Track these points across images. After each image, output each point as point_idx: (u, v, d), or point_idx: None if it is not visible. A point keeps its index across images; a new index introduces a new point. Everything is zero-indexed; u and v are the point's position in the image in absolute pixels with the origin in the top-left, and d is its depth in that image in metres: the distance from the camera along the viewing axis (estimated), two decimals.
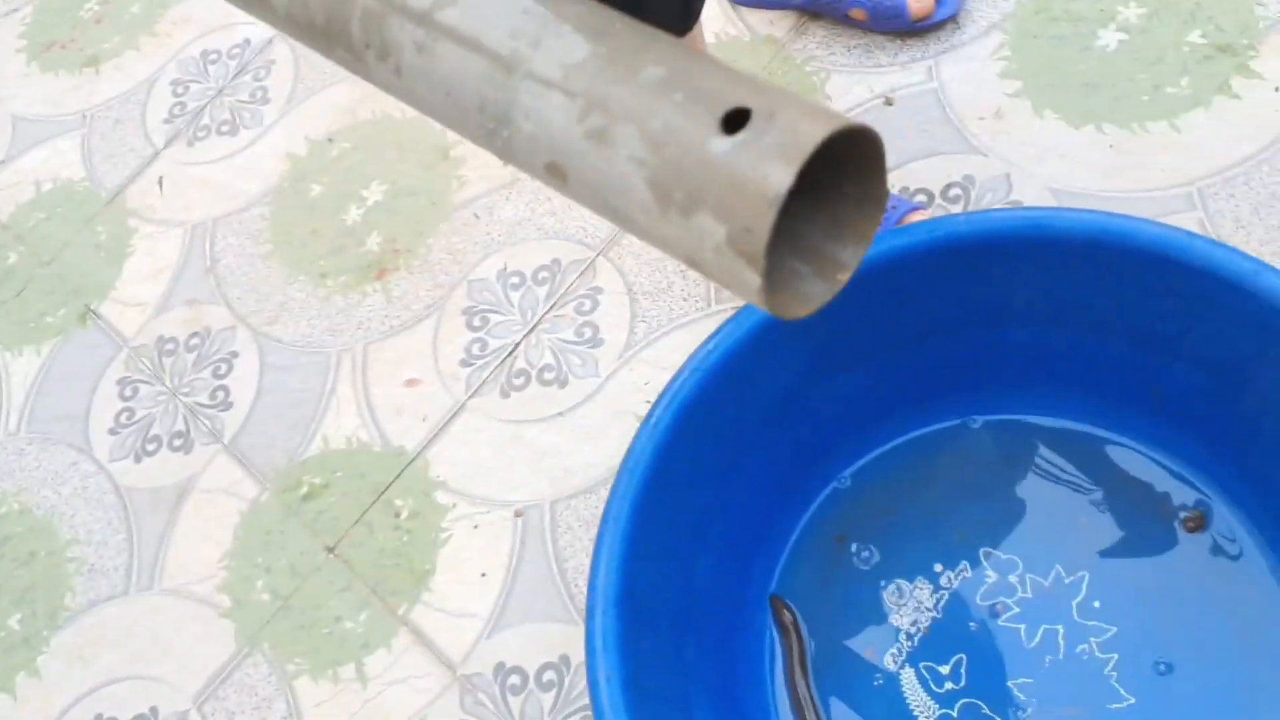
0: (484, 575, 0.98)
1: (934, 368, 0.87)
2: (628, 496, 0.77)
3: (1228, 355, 0.76)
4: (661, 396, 0.79)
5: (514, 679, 0.93)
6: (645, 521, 0.77)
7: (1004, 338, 0.85)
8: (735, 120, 0.36)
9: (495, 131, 0.42)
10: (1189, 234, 0.73)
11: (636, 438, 0.78)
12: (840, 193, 0.38)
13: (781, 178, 0.34)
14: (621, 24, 0.40)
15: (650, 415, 0.79)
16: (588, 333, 1.06)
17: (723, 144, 0.35)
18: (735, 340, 0.79)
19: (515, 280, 1.11)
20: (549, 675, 0.92)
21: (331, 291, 1.17)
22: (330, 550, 1.04)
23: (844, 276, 0.40)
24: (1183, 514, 0.83)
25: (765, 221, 0.34)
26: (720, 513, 0.85)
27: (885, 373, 0.87)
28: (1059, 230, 0.76)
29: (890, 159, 1.04)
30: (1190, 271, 0.73)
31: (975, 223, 0.78)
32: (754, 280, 0.36)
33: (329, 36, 0.46)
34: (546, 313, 1.08)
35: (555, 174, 0.41)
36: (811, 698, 0.84)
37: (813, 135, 0.34)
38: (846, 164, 0.37)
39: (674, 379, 0.79)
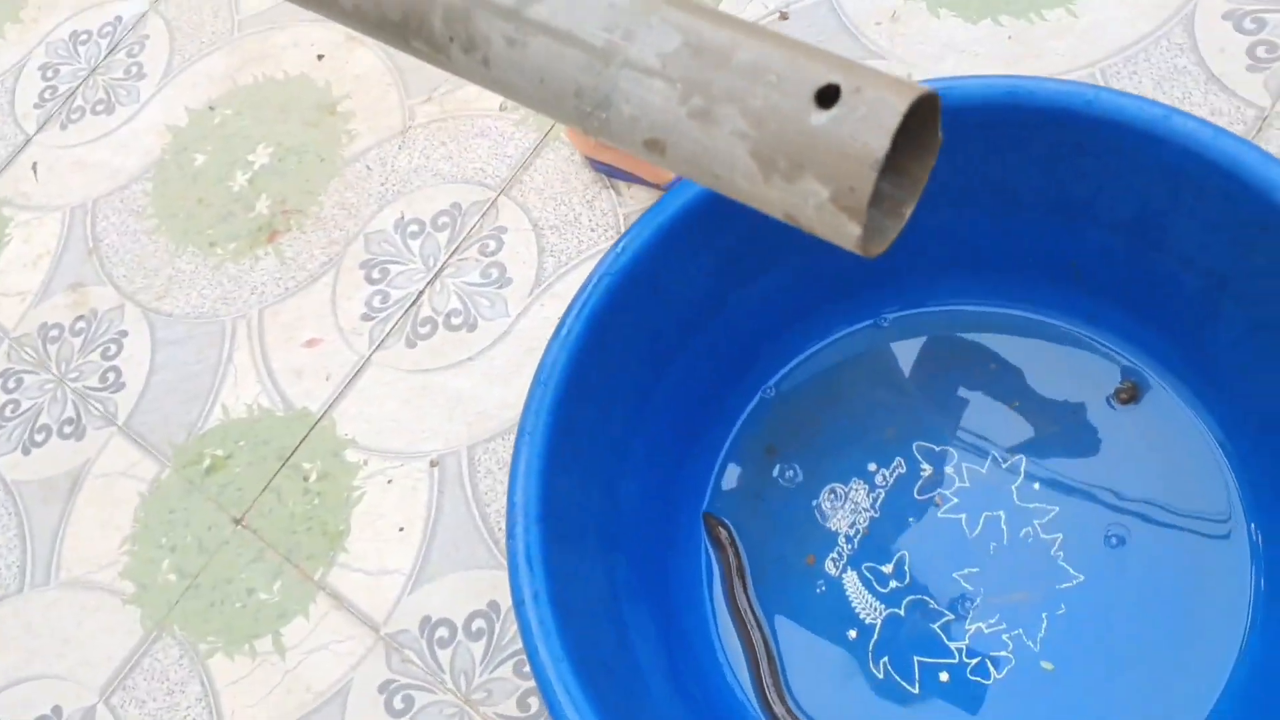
0: (402, 530, 0.93)
1: (848, 264, 0.84)
2: (542, 410, 0.73)
3: (1141, 211, 0.74)
4: (571, 306, 0.75)
5: (442, 632, 0.88)
6: (564, 433, 0.73)
7: (917, 224, 0.82)
8: (828, 95, 0.41)
9: (591, 114, 0.46)
10: (1094, 87, 0.70)
11: (548, 350, 0.74)
12: (902, 142, 0.42)
13: (879, 144, 0.39)
14: (697, 11, 0.45)
15: (561, 326, 0.75)
16: (494, 273, 1.01)
17: (821, 117, 0.41)
18: (644, 243, 0.75)
19: (414, 229, 1.06)
20: (478, 624, 0.88)
21: (222, 259, 1.11)
22: (238, 522, 0.98)
23: (907, 212, 0.45)
24: (1115, 386, 0.81)
25: (868, 182, 0.40)
26: (643, 427, 0.81)
27: (799, 273, 0.84)
28: (962, 97, 0.73)
29: None
30: (1098, 124, 0.70)
31: None
32: (856, 230, 0.42)
33: (405, 30, 0.49)
34: (449, 258, 1.03)
35: (654, 148, 0.46)
36: (753, 611, 0.80)
37: (898, 106, 0.40)
38: (910, 119, 0.41)
39: (583, 287, 0.75)
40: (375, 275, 1.05)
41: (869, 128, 0.41)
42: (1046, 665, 0.75)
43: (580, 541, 0.74)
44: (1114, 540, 0.76)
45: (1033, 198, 0.78)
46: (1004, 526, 0.79)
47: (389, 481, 0.95)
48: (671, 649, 0.77)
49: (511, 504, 0.70)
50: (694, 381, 0.84)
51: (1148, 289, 0.78)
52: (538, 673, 0.65)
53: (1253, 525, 0.74)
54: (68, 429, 1.07)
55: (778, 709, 0.76)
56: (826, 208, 0.42)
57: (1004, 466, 0.81)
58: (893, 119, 0.40)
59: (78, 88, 1.28)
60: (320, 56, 1.19)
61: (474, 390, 0.97)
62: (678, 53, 0.44)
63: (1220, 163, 0.67)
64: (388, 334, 1.02)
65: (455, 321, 1.00)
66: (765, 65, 0.43)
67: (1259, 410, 0.74)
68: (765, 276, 0.83)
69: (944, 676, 0.76)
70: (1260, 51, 0.90)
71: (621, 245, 0.75)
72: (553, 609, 0.67)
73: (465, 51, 0.48)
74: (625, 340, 0.78)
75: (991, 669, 0.75)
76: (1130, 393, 0.80)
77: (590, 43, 0.46)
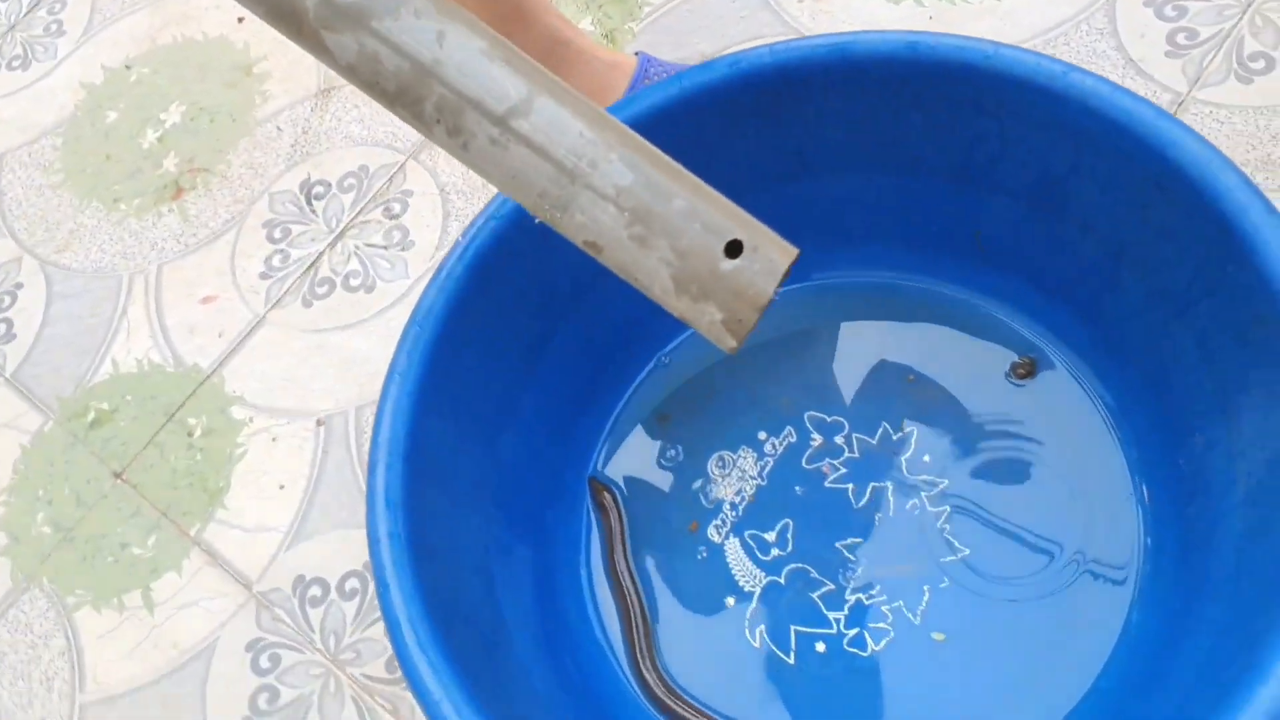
0: (283, 488, 0.90)
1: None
2: (416, 350, 0.70)
3: (1043, 175, 0.73)
4: (454, 248, 0.73)
5: (314, 590, 0.85)
6: (440, 376, 0.71)
7: (820, 190, 0.81)
8: (735, 248, 0.55)
9: (548, 210, 0.57)
10: (993, 43, 0.70)
11: (426, 291, 0.72)
12: None
13: (767, 293, 0.55)
14: (648, 156, 0.56)
15: (441, 268, 0.73)
16: (397, 236, 0.99)
17: (727, 265, 0.55)
18: None
19: (320, 190, 1.04)
20: (352, 583, 0.85)
21: (125, 215, 1.09)
22: (118, 476, 0.95)
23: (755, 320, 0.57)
24: (1013, 361, 0.79)
25: (753, 318, 0.56)
26: (532, 383, 0.79)
27: None
28: (865, 50, 0.72)
29: (712, 44, 1.00)
30: (998, 80, 0.69)
31: (779, 53, 0.74)
32: (734, 344, 0.57)
33: (395, 102, 0.55)
34: (353, 219, 1.01)
35: (592, 249, 0.57)
36: (630, 575, 0.78)
37: (782, 264, 0.54)
38: None
39: (468, 230, 0.73)
40: (277, 235, 1.03)
41: (761, 279, 0.56)
42: (938, 636, 0.72)
43: (451, 488, 0.71)
44: (1001, 512, 0.74)
45: (936, 161, 0.76)
46: (890, 498, 0.77)
47: (273, 439, 0.92)
48: (544, 607, 0.75)
49: (375, 441, 0.68)
50: (588, 343, 0.82)
51: (1049, 260, 0.77)
52: (386, 613, 0.63)
53: (1143, 488, 0.73)
54: None
55: (648, 675, 0.74)
56: (717, 325, 0.58)
57: (895, 439, 0.79)
58: (778, 274, 0.55)
59: None
60: (241, 19, 1.17)
61: (368, 351, 0.94)
62: (630, 188, 0.56)
63: (1118, 119, 0.66)
64: (285, 293, 0.99)
65: (354, 283, 0.98)
66: (694, 214, 0.56)
67: (1154, 383, 0.72)
68: None
69: (820, 647, 0.73)
70: (1180, 38, 0.90)
71: None
72: (409, 550, 0.65)
73: (448, 134, 0.56)
74: (514, 290, 0.76)
75: (869, 641, 0.73)
76: (1028, 368, 0.79)
77: (561, 161, 0.56)
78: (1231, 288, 0.62)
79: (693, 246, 0.57)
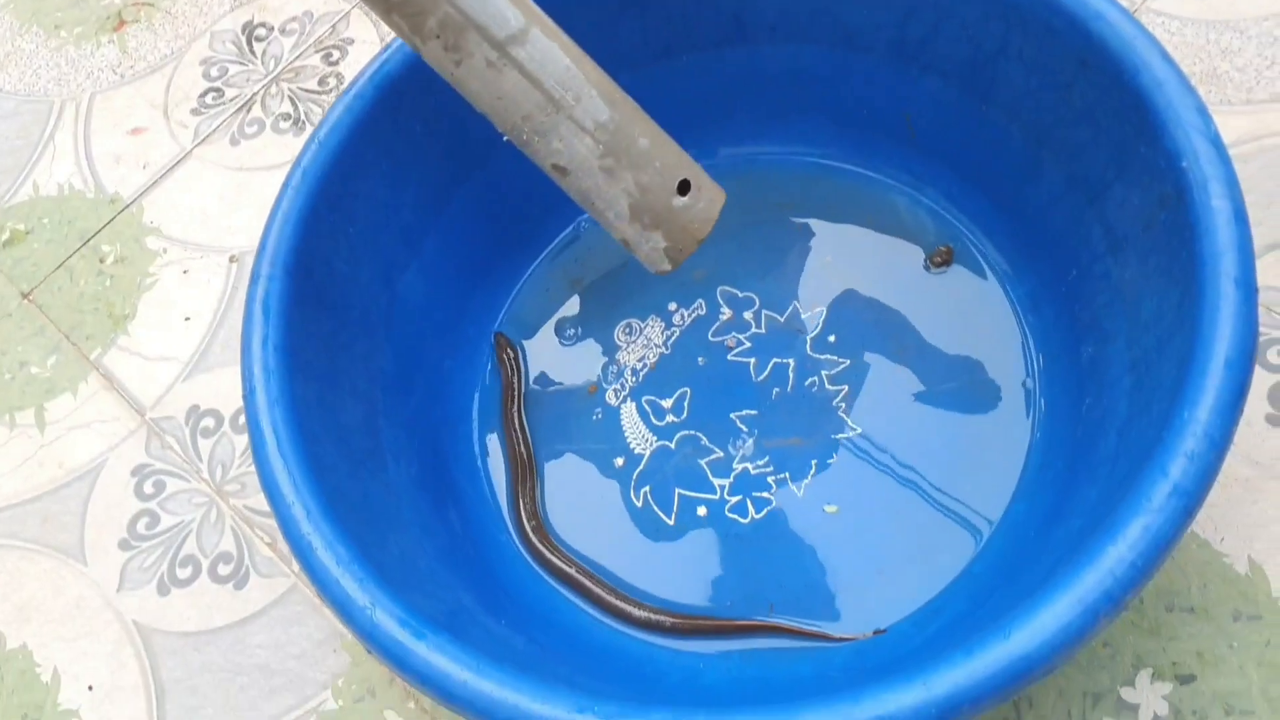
0: (188, 320, 0.88)
1: (680, 94, 0.81)
2: (311, 167, 0.69)
3: (974, 55, 0.71)
4: (366, 68, 0.71)
5: (207, 421, 0.84)
6: (334, 196, 0.69)
7: (758, 58, 0.79)
8: (684, 187, 0.65)
9: (526, 135, 0.62)
10: None
11: (330, 109, 0.70)
12: None
13: (706, 229, 0.67)
14: (620, 96, 0.63)
15: (351, 85, 0.71)
16: (332, 82, 0.97)
17: (678, 201, 0.65)
18: None
19: (261, 31, 1.01)
20: (245, 418, 0.83)
21: (64, 43, 1.06)
22: (25, 296, 0.93)
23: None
24: (931, 249, 0.78)
25: (693, 248, 0.69)
26: (439, 224, 0.77)
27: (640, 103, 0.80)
28: None
29: None
30: None
31: None
32: (667, 268, 0.69)
33: (393, 10, 0.57)
34: (291, 62, 0.99)
35: (559, 172, 0.65)
36: (522, 429, 0.76)
37: (719, 202, 0.68)
38: None
39: (379, 54, 0.72)
40: (214, 73, 1.00)
41: (703, 216, 0.68)
42: (830, 509, 0.71)
43: (338, 313, 0.70)
44: (898, 395, 0.73)
45: (872, 37, 0.75)
46: (791, 374, 0.76)
47: (185, 272, 0.91)
48: (424, 444, 0.73)
49: (261, 249, 0.66)
50: (503, 196, 0.81)
51: (976, 147, 0.75)
52: (250, 417, 0.61)
53: (1041, 382, 0.72)
54: None
55: (528, 525, 0.73)
56: (659, 252, 0.68)
57: (803, 316, 0.78)
58: (715, 213, 0.68)
59: None
60: None
61: None
62: (606, 124, 0.62)
63: None
64: (214, 130, 0.97)
65: (283, 125, 0.96)
66: (654, 153, 0.64)
67: (1063, 275, 0.71)
68: None
69: (701, 511, 0.72)
70: None
71: None
72: (281, 358, 0.63)
73: (444, 50, 0.59)
74: (424, 124, 0.74)
75: (750, 509, 0.72)
76: (945, 256, 0.77)
77: (550, 91, 0.60)
78: (1140, 169, 0.61)
79: (652, 182, 0.64)
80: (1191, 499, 0.49)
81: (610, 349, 0.79)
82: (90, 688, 0.76)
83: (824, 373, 0.75)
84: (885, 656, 0.65)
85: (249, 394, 0.62)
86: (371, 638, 0.54)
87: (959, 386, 0.73)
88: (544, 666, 0.60)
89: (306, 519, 0.58)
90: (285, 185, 0.68)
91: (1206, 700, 0.63)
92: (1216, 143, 0.57)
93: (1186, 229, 0.56)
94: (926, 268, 0.78)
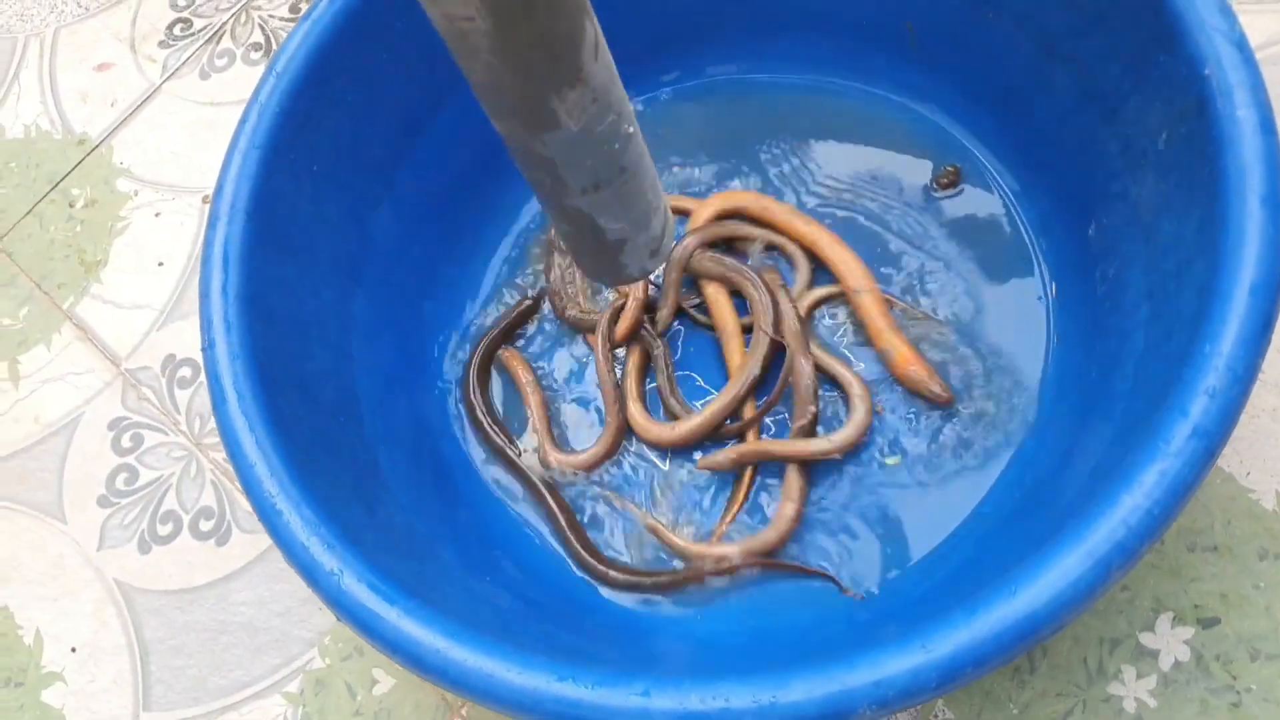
0: (162, 265, 0.85)
1: (671, 12, 0.76)
2: (271, 99, 0.64)
3: None
4: None
5: (184, 371, 0.80)
6: (295, 131, 0.65)
7: None
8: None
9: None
10: None
11: (287, 39, 0.66)
12: None
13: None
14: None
15: (309, 13, 0.66)
16: (305, 8, 0.92)
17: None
18: None
19: None
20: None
21: None
22: None
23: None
24: (937, 171, 0.73)
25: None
26: (411, 155, 0.73)
27: (617, 18, 0.75)
28: None
29: None
30: None
31: None
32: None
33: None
34: None
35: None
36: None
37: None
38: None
39: None
40: (181, 2, 0.96)
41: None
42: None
43: (304, 256, 0.66)
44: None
45: None
46: None
47: (157, 215, 0.87)
48: (402, 393, 0.70)
49: (219, 191, 0.62)
50: (482, 120, 0.76)
51: (982, 58, 0.70)
52: (209, 371, 0.58)
53: (1051, 316, 0.68)
54: None
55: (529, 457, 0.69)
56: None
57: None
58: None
59: None
60: None
61: None
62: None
63: None
64: (183, 63, 0.93)
65: (254, 56, 0.91)
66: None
67: (1077, 197, 0.67)
68: None
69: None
70: None
71: None
72: (242, 306, 0.60)
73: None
74: (390, 49, 0.69)
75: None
76: (951, 177, 0.73)
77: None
78: (1158, 79, 0.56)
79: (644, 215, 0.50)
80: (1213, 440, 0.46)
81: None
82: (73, 649, 0.74)
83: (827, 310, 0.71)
84: (889, 604, 0.62)
85: (208, 346, 0.59)
86: (339, 604, 0.51)
87: (969, 317, 0.69)
88: (528, 627, 0.57)
89: (270, 478, 0.54)
90: (242, 122, 0.64)
91: (1231, 644, 0.59)
92: (1242, 46, 0.52)
93: (1209, 142, 0.51)
94: (933, 189, 0.73)
